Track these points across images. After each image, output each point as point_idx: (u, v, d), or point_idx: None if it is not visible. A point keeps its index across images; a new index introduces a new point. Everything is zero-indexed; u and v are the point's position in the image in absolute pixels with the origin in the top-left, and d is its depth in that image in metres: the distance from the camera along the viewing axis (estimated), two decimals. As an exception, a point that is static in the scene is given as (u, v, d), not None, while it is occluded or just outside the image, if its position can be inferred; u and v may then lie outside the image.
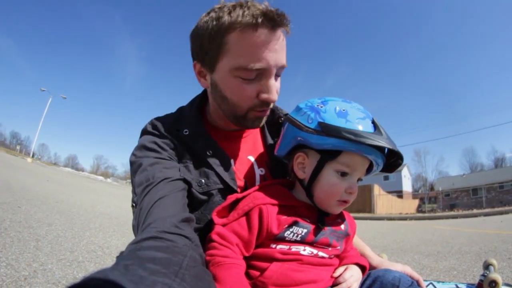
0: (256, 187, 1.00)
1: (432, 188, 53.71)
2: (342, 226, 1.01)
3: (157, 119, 1.14)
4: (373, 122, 0.91)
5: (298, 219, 0.91)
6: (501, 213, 17.19)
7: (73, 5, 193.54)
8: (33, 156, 56.87)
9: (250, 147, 1.19)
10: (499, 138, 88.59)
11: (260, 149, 1.21)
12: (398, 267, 1.07)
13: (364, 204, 26.29)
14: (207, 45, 0.98)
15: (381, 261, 1.14)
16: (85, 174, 61.80)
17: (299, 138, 0.95)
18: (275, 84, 0.99)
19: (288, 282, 0.85)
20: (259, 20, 0.90)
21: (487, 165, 65.23)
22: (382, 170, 1.00)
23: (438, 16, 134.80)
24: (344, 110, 0.91)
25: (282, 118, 1.23)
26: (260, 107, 1.01)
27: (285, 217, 0.91)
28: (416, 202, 41.98)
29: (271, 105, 1.05)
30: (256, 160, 1.17)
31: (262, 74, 0.96)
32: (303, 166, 0.98)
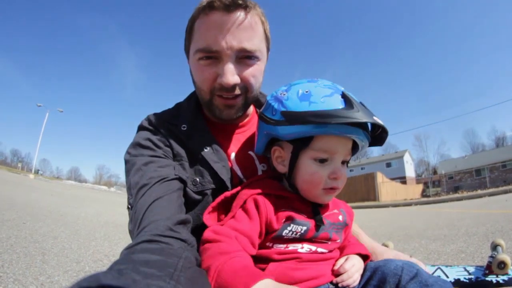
0: (246, 183, 0.96)
1: (435, 172, 53.79)
2: (340, 217, 0.96)
3: (154, 114, 1.13)
4: (343, 96, 0.84)
5: (294, 215, 0.86)
6: (505, 192, 17.31)
7: (67, 17, 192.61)
8: (35, 172, 56.92)
9: (251, 142, 1.15)
10: (498, 118, 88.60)
11: None
12: (391, 255, 1.04)
13: (368, 193, 26.40)
14: (185, 36, 1.08)
15: (373, 249, 1.09)
16: (88, 185, 61.83)
17: (266, 132, 0.92)
18: (230, 68, 0.97)
19: (288, 281, 0.79)
20: (212, 4, 0.93)
21: (488, 145, 65.31)
22: (370, 145, 0.93)
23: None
24: (307, 91, 0.85)
25: None
26: (220, 91, 0.99)
27: (282, 209, 0.86)
28: (420, 187, 42.18)
29: (237, 92, 1.01)
30: (257, 155, 1.13)
31: (219, 57, 0.97)
32: (282, 159, 0.94)
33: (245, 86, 1.02)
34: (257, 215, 0.84)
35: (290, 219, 0.86)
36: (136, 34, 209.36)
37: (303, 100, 0.83)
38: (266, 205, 0.85)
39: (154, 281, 0.50)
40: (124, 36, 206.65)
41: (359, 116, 0.78)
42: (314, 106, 0.81)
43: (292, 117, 0.82)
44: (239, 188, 0.93)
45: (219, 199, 0.91)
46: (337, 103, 0.81)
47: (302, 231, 0.86)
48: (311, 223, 0.88)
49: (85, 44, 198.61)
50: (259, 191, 0.88)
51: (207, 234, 0.80)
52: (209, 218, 0.89)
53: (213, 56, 0.97)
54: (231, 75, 0.96)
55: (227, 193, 0.93)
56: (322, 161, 0.86)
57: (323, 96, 0.83)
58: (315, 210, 0.91)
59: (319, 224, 0.89)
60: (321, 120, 0.78)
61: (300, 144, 0.86)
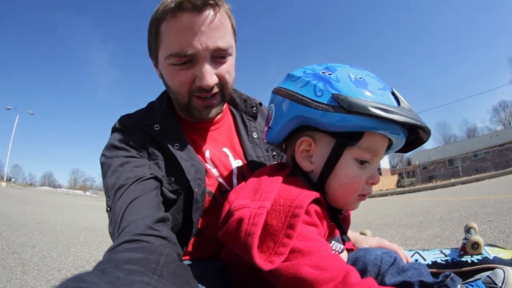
0: (274, 186, 0.73)
1: (409, 163, 54.91)
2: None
3: (127, 115, 1.13)
4: (393, 93, 0.74)
5: (334, 228, 0.77)
6: (477, 180, 17.91)
7: (36, 13, 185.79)
8: (7, 180, 54.80)
9: (225, 139, 1.17)
10: (469, 110, 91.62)
11: (236, 140, 1.19)
12: (374, 242, 1.06)
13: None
14: (150, 39, 1.04)
15: (355, 238, 1.10)
16: (63, 191, 60.12)
17: (299, 116, 0.76)
18: (208, 69, 0.96)
19: None
20: (179, 5, 0.90)
21: (460, 136, 67.29)
22: (399, 151, 0.85)
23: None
24: (360, 78, 0.72)
25: (255, 107, 1.22)
26: (199, 92, 1.00)
27: (324, 221, 0.73)
28: (395, 177, 43.00)
29: (214, 90, 1.01)
30: (231, 152, 1.15)
31: (195, 59, 0.95)
32: (308, 154, 0.79)
33: (222, 83, 1.02)
34: (321, 227, 0.71)
35: (332, 234, 0.77)
36: (108, 31, 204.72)
37: (359, 87, 0.70)
38: (322, 216, 0.72)
39: (138, 277, 0.50)
40: (96, 33, 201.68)
41: (417, 118, 0.70)
42: (373, 97, 0.69)
43: (352, 104, 0.67)
44: (270, 194, 0.70)
45: (259, 229, 0.64)
46: (391, 100, 0.71)
47: (340, 250, 0.77)
48: (342, 242, 0.81)
49: (55, 42, 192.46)
50: (309, 198, 0.69)
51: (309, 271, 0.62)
52: (264, 257, 0.64)
53: (187, 59, 0.95)
54: (210, 76, 0.96)
55: (259, 211, 0.66)
56: (363, 162, 0.75)
57: (379, 89, 0.72)
58: (334, 218, 0.80)
59: (344, 239, 0.82)
60: (387, 115, 0.66)
61: (347, 140, 0.72)
